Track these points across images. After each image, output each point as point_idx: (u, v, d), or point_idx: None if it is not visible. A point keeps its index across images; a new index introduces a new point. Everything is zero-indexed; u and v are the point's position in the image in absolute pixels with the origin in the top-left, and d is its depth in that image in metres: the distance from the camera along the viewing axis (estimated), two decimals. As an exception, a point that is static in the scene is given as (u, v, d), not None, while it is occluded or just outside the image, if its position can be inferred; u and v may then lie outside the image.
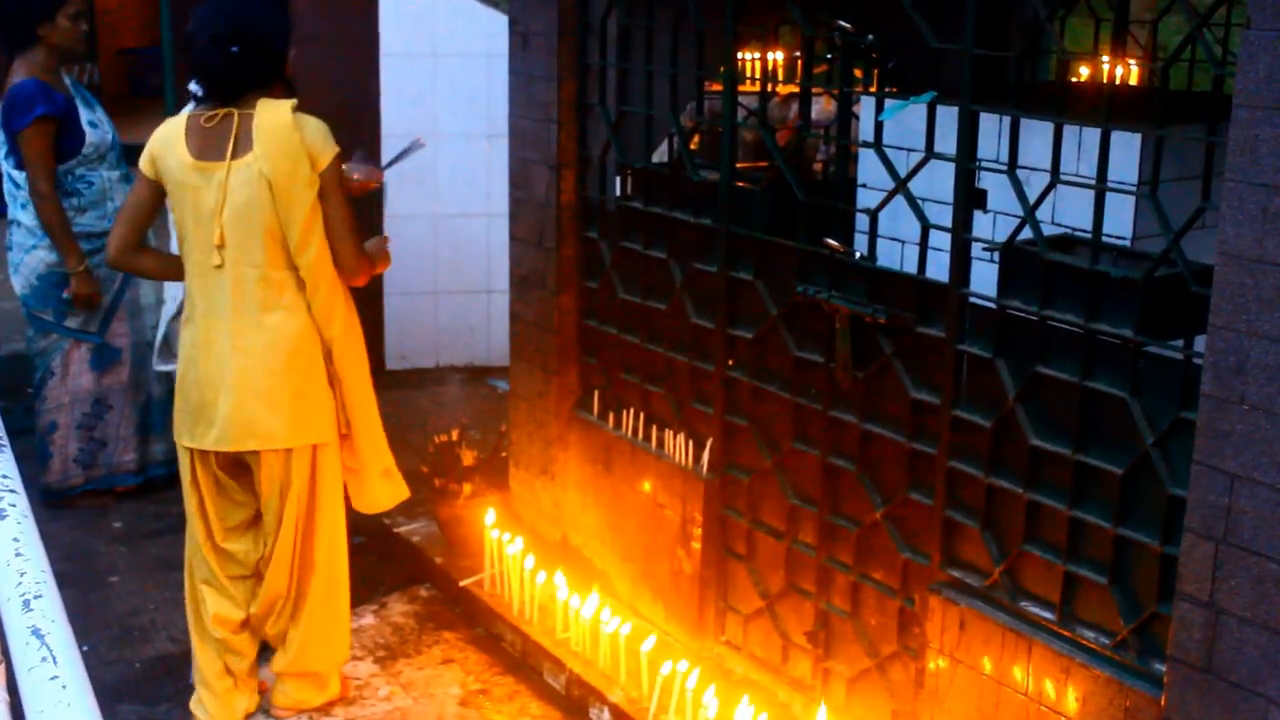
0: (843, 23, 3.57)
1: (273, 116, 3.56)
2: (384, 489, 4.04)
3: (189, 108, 3.84)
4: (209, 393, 3.67)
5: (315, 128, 3.61)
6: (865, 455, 3.67)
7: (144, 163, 3.69)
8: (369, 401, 3.92)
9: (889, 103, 3.53)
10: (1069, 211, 3.41)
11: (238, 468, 3.80)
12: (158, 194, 3.72)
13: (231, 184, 3.54)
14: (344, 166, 4.25)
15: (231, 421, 3.65)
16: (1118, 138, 3.07)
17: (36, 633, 1.92)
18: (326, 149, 3.61)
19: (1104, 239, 3.05)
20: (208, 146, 3.58)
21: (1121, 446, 2.99)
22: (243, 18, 3.58)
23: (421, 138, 4.47)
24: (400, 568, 5.15)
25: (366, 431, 3.92)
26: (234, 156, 3.55)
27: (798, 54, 4.48)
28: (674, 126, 4.24)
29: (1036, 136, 3.28)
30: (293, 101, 3.60)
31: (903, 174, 3.47)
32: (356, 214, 3.74)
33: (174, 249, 3.89)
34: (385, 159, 4.89)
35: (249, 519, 3.90)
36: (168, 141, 3.63)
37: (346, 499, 4.03)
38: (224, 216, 3.56)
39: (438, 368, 7.49)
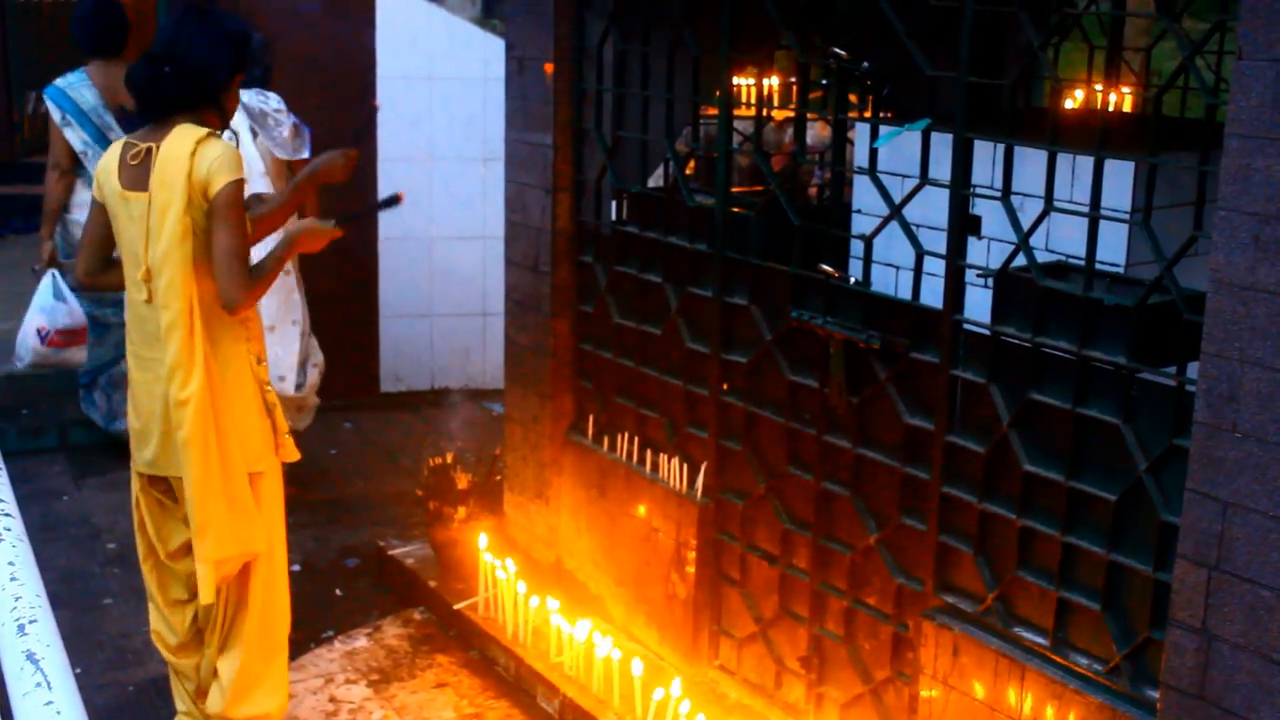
0: (838, 49, 3.60)
1: (174, 145, 3.50)
2: (200, 576, 3.65)
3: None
4: (145, 419, 3.66)
5: (213, 156, 3.48)
6: (859, 480, 3.67)
7: (94, 187, 3.69)
8: (214, 508, 3.59)
9: (884, 129, 3.54)
10: (1062, 238, 3.42)
11: (172, 491, 3.76)
12: (108, 218, 3.70)
13: (150, 217, 3.52)
14: (322, 158, 4.15)
15: (160, 448, 3.63)
16: (1111, 165, 3.09)
17: (31, 658, 1.92)
18: (219, 176, 3.47)
19: (1097, 266, 3.07)
20: (134, 175, 3.56)
21: (1115, 473, 2.99)
22: (182, 42, 3.57)
23: (402, 192, 4.38)
24: (394, 591, 5.14)
25: (192, 525, 3.60)
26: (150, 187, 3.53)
27: (793, 80, 4.50)
28: (669, 151, 4.26)
29: (1030, 163, 3.29)
30: (203, 131, 3.51)
31: (897, 200, 3.48)
32: (247, 244, 3.58)
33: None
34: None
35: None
36: (106, 168, 3.62)
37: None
38: (148, 250, 3.53)
39: (433, 390, 7.49)
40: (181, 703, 3.96)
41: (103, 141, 6.07)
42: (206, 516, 3.58)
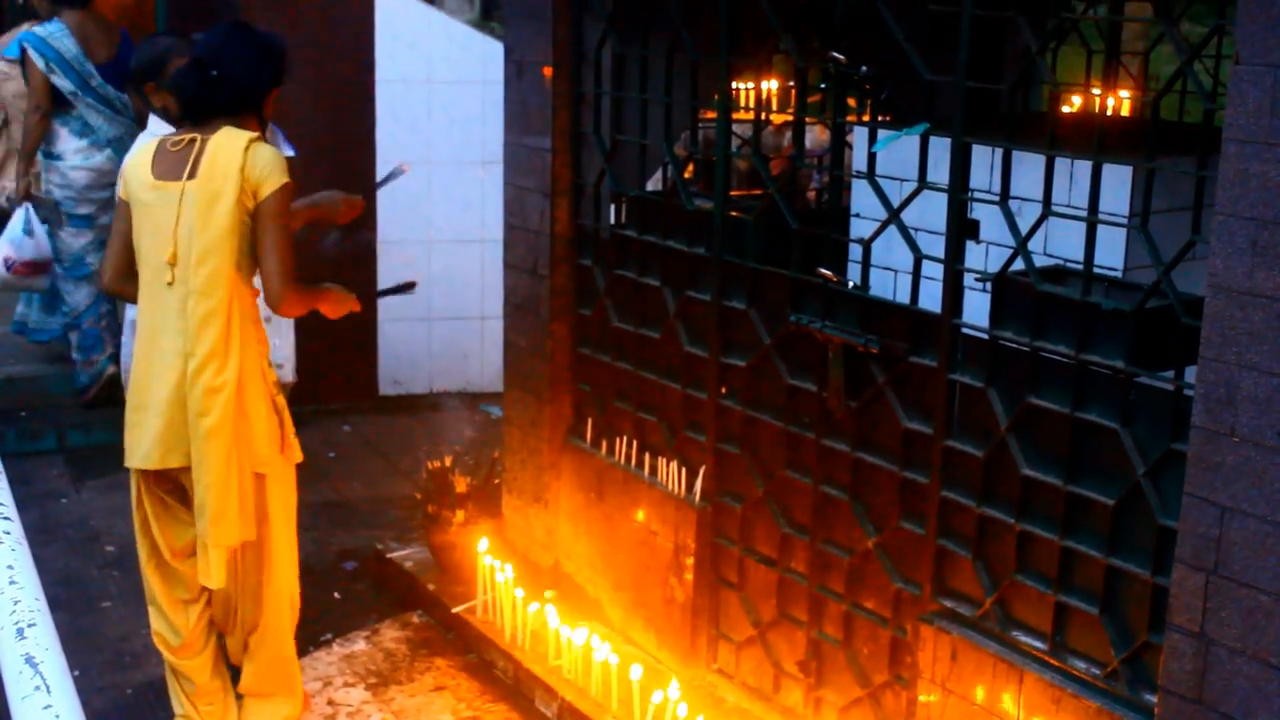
0: (836, 53, 3.60)
1: (225, 142, 3.62)
2: (209, 562, 3.72)
3: (144, 133, 3.97)
4: (146, 411, 3.69)
5: (265, 158, 3.62)
6: (857, 484, 3.67)
7: (119, 187, 3.78)
8: (227, 495, 3.64)
9: (882, 133, 3.55)
10: (1061, 243, 3.42)
11: (179, 488, 3.79)
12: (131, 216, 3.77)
13: (185, 203, 3.61)
14: (326, 194, 4.29)
15: (160, 439, 3.66)
16: (1109, 169, 3.09)
17: (30, 661, 1.92)
18: (271, 179, 3.61)
19: (1095, 270, 3.07)
20: (169, 167, 3.66)
21: (1113, 477, 3.00)
22: (229, 52, 3.74)
23: (405, 164, 4.50)
24: (393, 594, 5.14)
25: (206, 510, 3.65)
26: (189, 177, 3.62)
27: (791, 84, 4.50)
28: (668, 155, 4.26)
29: (1028, 167, 3.30)
30: (253, 135, 3.66)
31: (895, 204, 3.49)
32: (297, 248, 3.72)
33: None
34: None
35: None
36: (137, 162, 3.73)
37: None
38: (178, 234, 3.61)
39: (431, 393, 7.49)
40: (179, 705, 3.97)
41: (87, 89, 6.40)
42: (225, 504, 3.64)
